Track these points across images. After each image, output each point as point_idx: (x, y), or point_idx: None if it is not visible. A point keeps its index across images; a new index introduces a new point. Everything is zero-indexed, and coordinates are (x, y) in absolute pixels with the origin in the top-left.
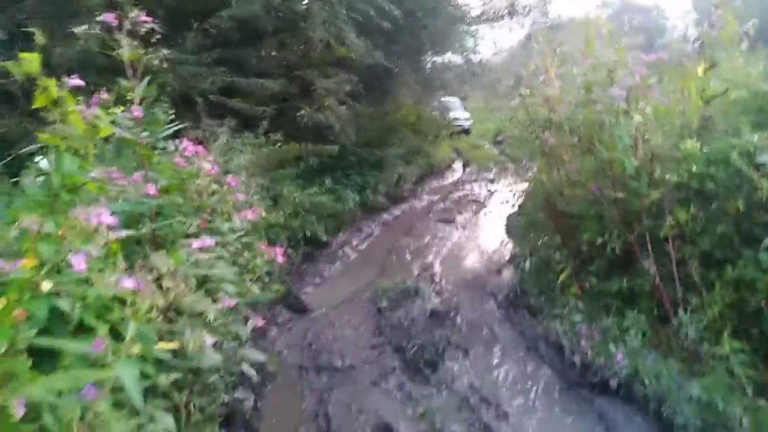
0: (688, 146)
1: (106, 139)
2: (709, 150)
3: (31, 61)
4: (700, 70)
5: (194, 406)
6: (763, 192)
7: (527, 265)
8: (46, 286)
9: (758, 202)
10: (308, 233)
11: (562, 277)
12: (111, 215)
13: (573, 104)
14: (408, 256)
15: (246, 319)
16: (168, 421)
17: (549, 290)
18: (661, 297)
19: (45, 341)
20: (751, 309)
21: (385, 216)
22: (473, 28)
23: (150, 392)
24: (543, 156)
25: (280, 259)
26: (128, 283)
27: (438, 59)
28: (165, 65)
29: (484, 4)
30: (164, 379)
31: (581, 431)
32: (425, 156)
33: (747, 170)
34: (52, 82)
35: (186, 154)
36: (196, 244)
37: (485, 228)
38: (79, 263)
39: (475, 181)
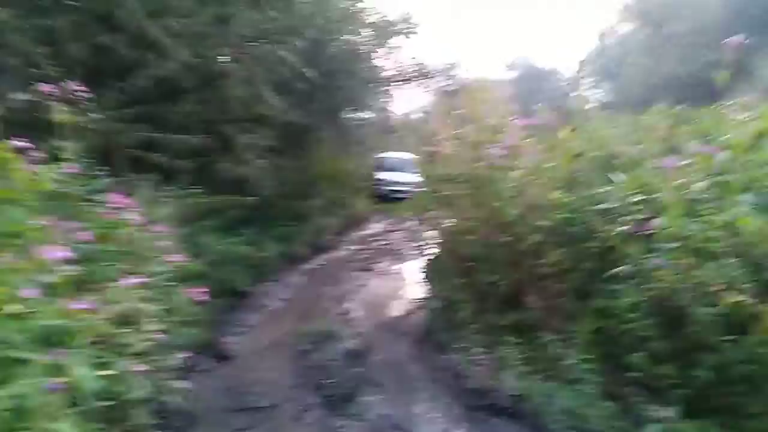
0: (554, 196)
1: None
2: (571, 200)
3: None
4: (565, 133)
5: None
6: (606, 234)
7: (435, 305)
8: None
9: (607, 242)
10: (231, 284)
11: (463, 314)
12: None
13: (465, 161)
14: (328, 303)
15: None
16: None
17: (454, 327)
18: (543, 327)
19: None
20: (610, 333)
21: (307, 266)
22: (385, 88)
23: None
24: (442, 206)
25: (202, 297)
26: (81, 305)
27: (354, 116)
28: (91, 125)
29: (396, 67)
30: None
31: None
32: (346, 207)
33: (593, 216)
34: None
35: (115, 205)
36: (123, 282)
37: (401, 274)
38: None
39: (395, 230)
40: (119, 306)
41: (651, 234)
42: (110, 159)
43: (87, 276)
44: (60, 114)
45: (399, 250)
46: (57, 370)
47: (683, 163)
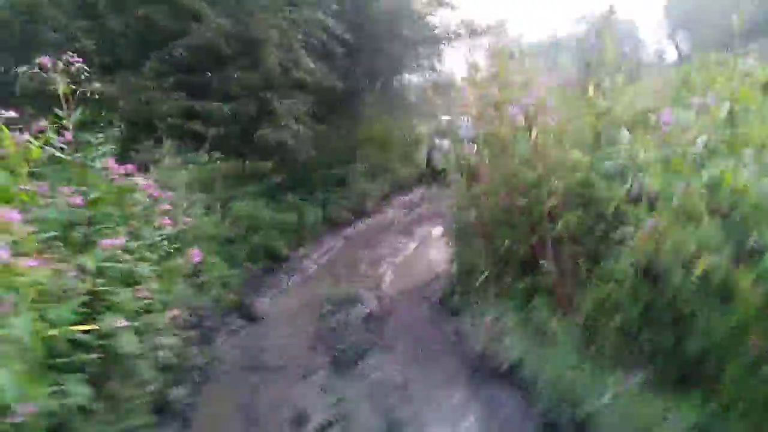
0: (574, 156)
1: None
2: (588, 160)
3: None
4: (590, 91)
5: (123, 395)
6: (612, 195)
7: (456, 270)
8: None
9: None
10: (269, 248)
11: (481, 279)
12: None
13: (487, 122)
14: (363, 267)
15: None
16: (83, 390)
17: (470, 293)
18: (558, 292)
19: None
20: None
21: (348, 230)
22: (434, 48)
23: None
24: (466, 170)
25: (196, 259)
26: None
27: (401, 79)
28: (98, 96)
29: (444, 25)
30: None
31: (470, 409)
32: (391, 172)
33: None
34: None
35: (118, 172)
36: (107, 242)
37: (440, 240)
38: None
39: (439, 196)
40: (108, 265)
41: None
42: (147, 126)
43: (76, 238)
44: (61, 85)
45: (442, 215)
46: None
47: (684, 117)
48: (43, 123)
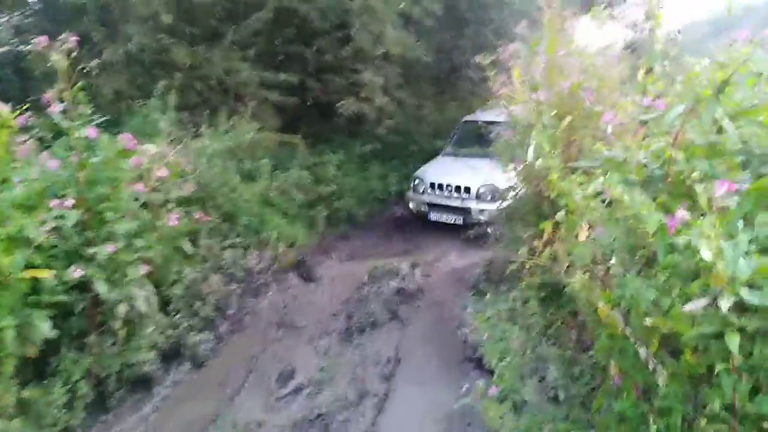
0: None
1: None
2: None
3: None
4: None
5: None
6: None
7: (496, 255)
8: None
9: None
10: (347, 214)
11: (512, 267)
12: None
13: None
14: (426, 241)
15: None
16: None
17: (500, 280)
18: None
19: None
20: None
21: None
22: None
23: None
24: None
25: (172, 222)
26: None
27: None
28: (95, 72)
29: None
30: None
31: (441, 391)
32: None
33: None
34: None
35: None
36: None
37: None
38: None
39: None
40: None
41: None
42: (224, 94)
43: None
44: (57, 62)
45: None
46: None
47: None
48: (48, 95)
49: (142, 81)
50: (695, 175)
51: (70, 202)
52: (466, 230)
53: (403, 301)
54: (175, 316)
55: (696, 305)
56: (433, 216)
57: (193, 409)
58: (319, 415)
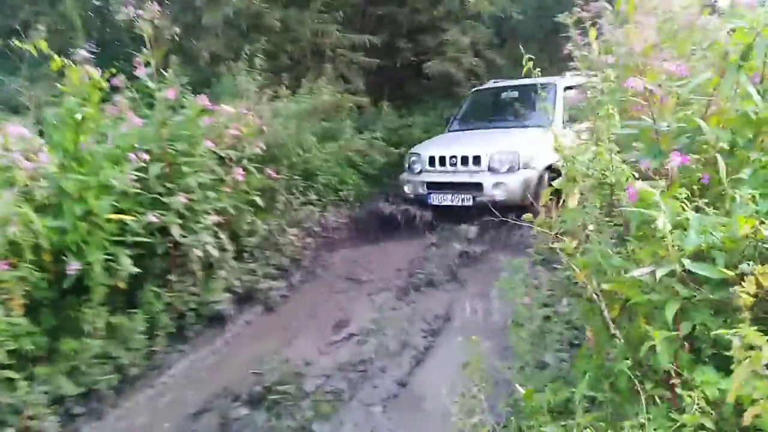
0: None
1: None
2: None
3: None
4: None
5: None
6: None
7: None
8: None
9: None
10: None
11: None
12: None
13: None
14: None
15: None
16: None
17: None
18: None
19: None
20: None
21: None
22: None
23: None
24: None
25: (238, 177)
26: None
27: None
28: (172, 36)
29: None
30: None
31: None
32: None
33: None
34: (58, 60)
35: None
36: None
37: None
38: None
39: None
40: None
41: None
42: (317, 56)
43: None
44: (144, 29)
45: None
46: None
47: None
48: (138, 60)
49: (238, 44)
50: (721, 145)
51: (145, 155)
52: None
53: (464, 264)
54: (250, 263)
55: (642, 272)
56: (434, 199)
57: (257, 347)
58: (361, 361)
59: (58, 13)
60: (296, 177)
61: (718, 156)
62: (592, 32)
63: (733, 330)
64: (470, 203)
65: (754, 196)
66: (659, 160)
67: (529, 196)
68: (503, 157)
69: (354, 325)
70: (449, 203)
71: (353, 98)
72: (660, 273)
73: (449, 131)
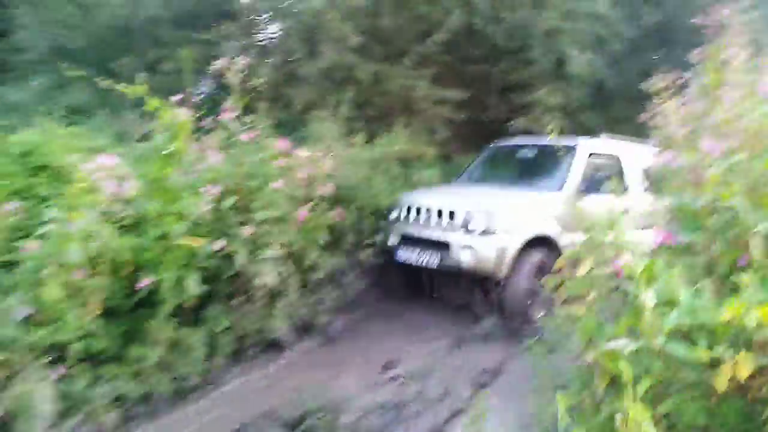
0: None
1: None
2: None
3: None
4: None
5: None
6: None
7: None
8: None
9: None
10: None
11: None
12: None
13: None
14: None
15: None
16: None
17: None
18: None
19: None
20: None
21: None
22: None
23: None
24: None
25: (302, 216)
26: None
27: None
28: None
29: None
30: None
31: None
32: None
33: None
34: (155, 100)
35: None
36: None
37: None
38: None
39: None
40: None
41: None
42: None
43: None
44: (232, 80)
45: None
46: None
47: None
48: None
49: (329, 94)
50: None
51: (218, 189)
52: (441, 278)
53: None
54: (312, 297)
55: (616, 344)
56: (401, 255)
57: (307, 376)
58: (400, 403)
59: (176, 58)
60: (364, 219)
61: (751, 237)
62: (668, 104)
63: None
64: (434, 266)
65: None
66: (696, 234)
67: (504, 268)
68: (479, 216)
69: (401, 367)
70: (413, 262)
71: (433, 149)
72: (629, 348)
73: (454, 182)
